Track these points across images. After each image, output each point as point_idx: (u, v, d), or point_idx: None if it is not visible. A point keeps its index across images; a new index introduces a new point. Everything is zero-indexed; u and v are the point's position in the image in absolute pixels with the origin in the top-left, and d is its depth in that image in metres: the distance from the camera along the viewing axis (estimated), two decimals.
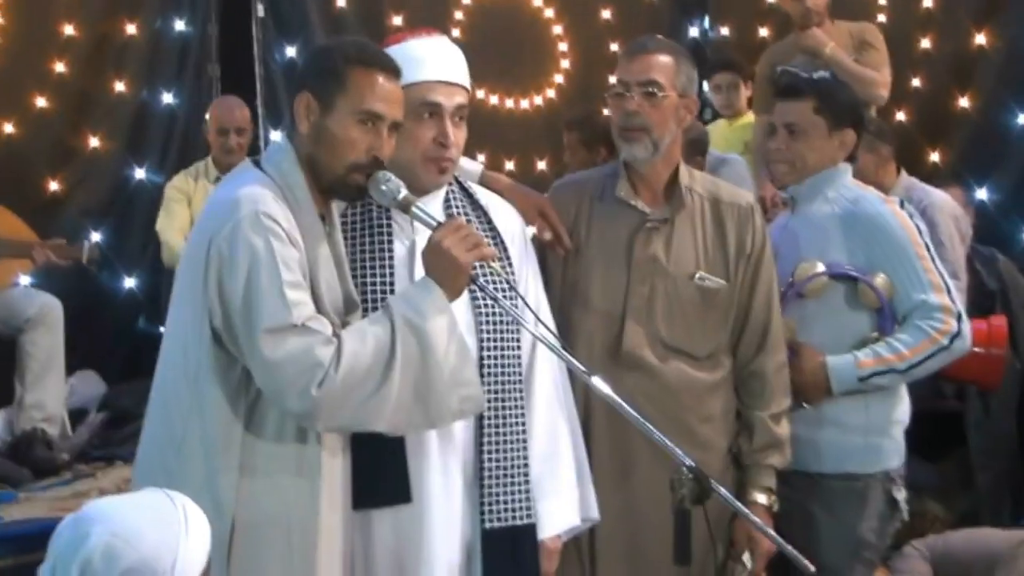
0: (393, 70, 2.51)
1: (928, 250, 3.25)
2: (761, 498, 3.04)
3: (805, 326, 3.26)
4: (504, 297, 2.59)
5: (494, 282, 2.63)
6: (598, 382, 2.42)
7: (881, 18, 6.58)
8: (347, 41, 2.59)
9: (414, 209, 2.49)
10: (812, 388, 3.21)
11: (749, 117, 6.00)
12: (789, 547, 2.40)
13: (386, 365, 2.35)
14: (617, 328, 2.99)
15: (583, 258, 3.03)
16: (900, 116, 6.64)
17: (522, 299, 2.70)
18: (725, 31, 7.19)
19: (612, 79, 3.06)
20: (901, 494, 3.31)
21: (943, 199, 4.89)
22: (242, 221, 2.35)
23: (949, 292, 3.22)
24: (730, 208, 3.07)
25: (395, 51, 2.62)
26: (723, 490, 2.36)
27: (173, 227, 5.44)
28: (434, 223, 2.48)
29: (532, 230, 3.07)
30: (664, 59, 2.98)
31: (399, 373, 2.35)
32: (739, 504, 2.44)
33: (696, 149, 4.85)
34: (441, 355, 2.39)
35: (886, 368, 3.17)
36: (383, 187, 2.47)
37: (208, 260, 2.36)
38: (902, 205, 3.35)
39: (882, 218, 3.25)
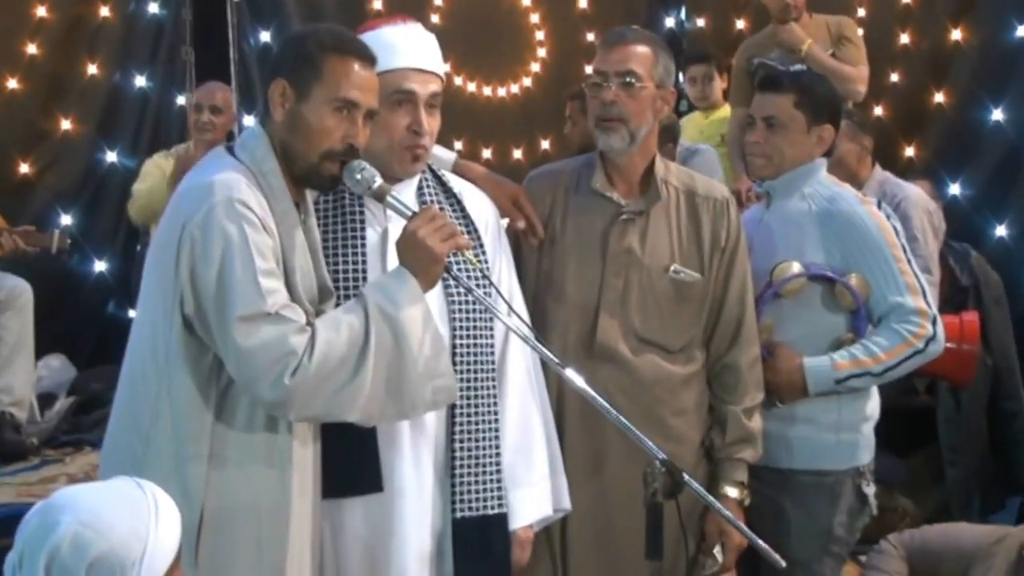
0: (368, 58, 2.49)
1: (904, 251, 3.25)
2: (733, 492, 3.04)
3: (781, 326, 3.26)
4: (478, 287, 2.58)
5: (468, 272, 2.62)
6: (571, 374, 2.42)
7: (861, 12, 6.59)
8: (322, 28, 2.56)
9: (389, 198, 2.48)
10: (788, 388, 3.21)
11: (725, 110, 6.00)
12: (760, 541, 2.41)
13: (360, 354, 2.34)
14: (591, 320, 2.98)
15: (558, 249, 3.02)
16: (878, 111, 6.65)
17: (496, 289, 2.69)
18: (701, 22, 7.19)
19: (589, 69, 3.05)
20: (871, 489, 3.32)
21: (917, 193, 4.90)
22: (215, 207, 2.32)
23: (925, 294, 3.23)
24: (705, 201, 3.07)
25: (369, 38, 2.60)
26: (695, 484, 2.36)
27: (142, 187, 5.40)
28: (409, 212, 2.47)
29: (506, 220, 3.06)
30: (642, 50, 2.96)
31: (372, 362, 2.34)
32: (711, 498, 2.44)
33: (667, 136, 4.85)
34: (415, 345, 2.38)
35: (862, 371, 3.18)
36: (358, 176, 2.46)
37: (180, 246, 2.33)
38: (879, 205, 3.35)
39: (859, 218, 3.25)
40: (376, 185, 2.46)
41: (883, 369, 3.18)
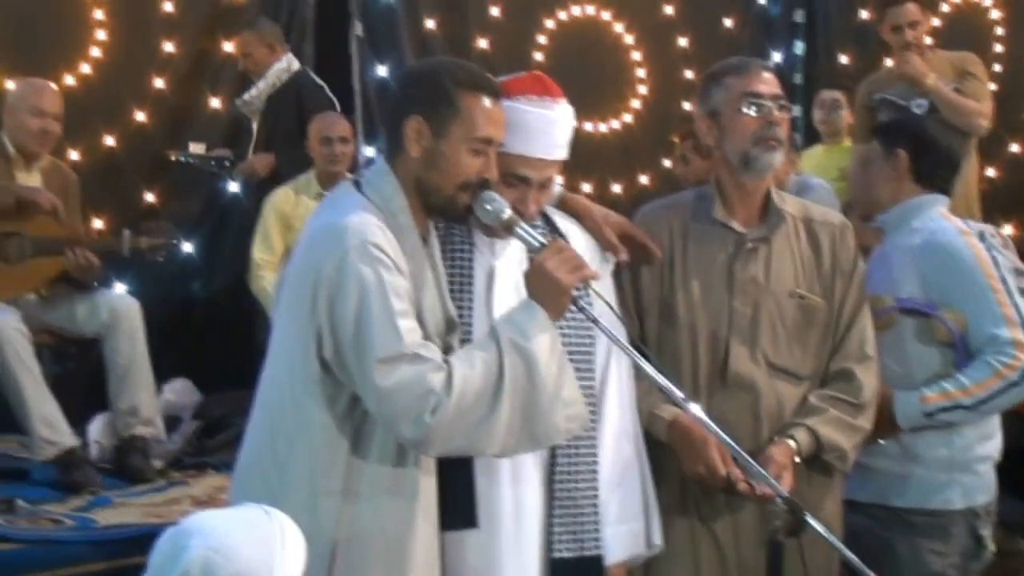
0: (498, 93, 2.53)
1: (1004, 283, 3.20)
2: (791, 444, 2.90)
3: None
4: (582, 324, 2.57)
5: (588, 303, 2.62)
6: (695, 409, 2.43)
7: (998, 48, 6.48)
8: (451, 63, 2.58)
9: (518, 229, 2.50)
10: (880, 423, 3.15)
11: (847, 144, 5.95)
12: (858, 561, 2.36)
13: (495, 388, 2.36)
14: (722, 349, 2.96)
15: (678, 279, 3.00)
16: (1014, 148, 6.51)
17: (621, 320, 2.68)
18: (844, 59, 7.14)
19: (687, 106, 3.01)
20: (987, 531, 3.26)
21: None
22: (350, 251, 2.36)
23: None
24: (823, 227, 3.05)
25: (506, 107, 2.56)
26: (818, 524, 2.33)
27: (269, 261, 5.49)
28: (537, 244, 2.48)
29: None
30: (775, 78, 3.01)
31: (508, 395, 2.36)
32: (834, 539, 2.39)
33: None
34: (546, 375, 2.39)
35: (952, 404, 3.13)
36: (488, 206, 2.49)
37: (316, 289, 2.38)
38: (982, 237, 3.29)
39: (955, 249, 3.22)
40: (506, 216, 2.49)
41: (974, 402, 3.12)
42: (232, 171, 6.06)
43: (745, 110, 2.95)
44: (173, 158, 5.90)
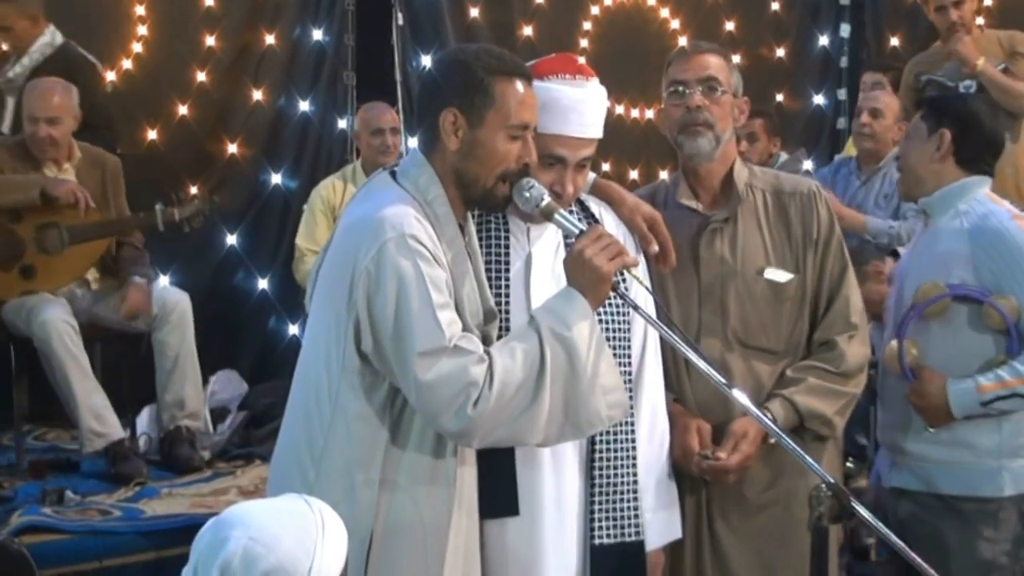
0: (530, 76, 2.52)
1: None
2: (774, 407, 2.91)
3: (929, 348, 3.19)
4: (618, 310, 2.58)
5: (627, 288, 2.60)
6: (738, 394, 2.42)
7: None
8: (481, 50, 2.54)
9: (557, 216, 2.49)
10: (933, 411, 3.15)
11: None
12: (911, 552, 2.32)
13: (537, 379, 2.35)
14: (694, 331, 2.95)
15: (654, 265, 2.97)
16: None
17: (659, 306, 2.68)
18: (895, 41, 7.06)
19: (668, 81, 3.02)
20: None
21: None
22: (388, 244, 2.35)
23: None
24: (792, 197, 3.04)
25: (537, 87, 2.56)
26: (862, 509, 2.30)
27: (314, 250, 5.38)
28: (576, 231, 2.47)
29: None
30: (717, 59, 2.99)
31: (549, 385, 2.36)
32: (883, 527, 2.35)
33: None
34: (587, 363, 2.38)
35: (1008, 392, 3.09)
36: (526, 194, 2.48)
37: (354, 282, 2.37)
38: None
39: (1008, 234, 3.15)
40: (544, 203, 2.48)
41: None
42: None
43: (669, 100, 3.01)
44: None
